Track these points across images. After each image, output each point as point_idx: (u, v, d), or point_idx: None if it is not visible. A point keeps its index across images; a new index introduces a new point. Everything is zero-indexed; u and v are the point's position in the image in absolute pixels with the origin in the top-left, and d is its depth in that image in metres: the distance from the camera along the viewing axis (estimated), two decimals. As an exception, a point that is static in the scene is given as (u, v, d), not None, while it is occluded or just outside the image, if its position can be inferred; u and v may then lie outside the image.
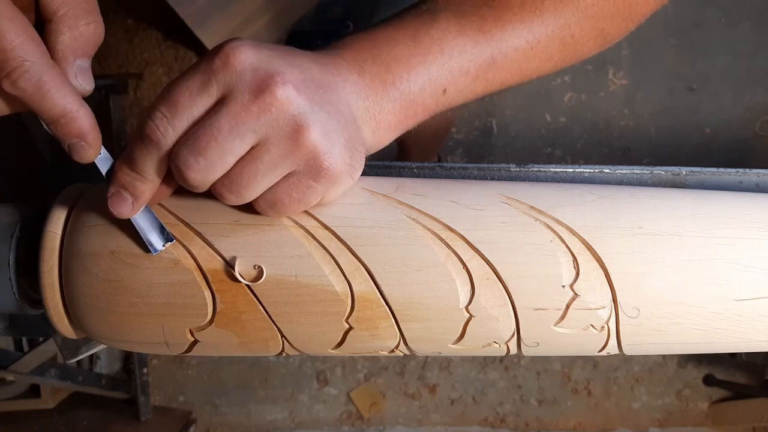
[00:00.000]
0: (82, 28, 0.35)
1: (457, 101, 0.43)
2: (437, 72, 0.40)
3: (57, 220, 0.41)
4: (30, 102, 0.34)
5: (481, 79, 0.42)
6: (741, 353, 1.32)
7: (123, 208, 0.37)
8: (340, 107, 0.37)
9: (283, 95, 0.34)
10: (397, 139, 0.42)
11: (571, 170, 0.47)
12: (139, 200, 0.38)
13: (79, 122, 0.35)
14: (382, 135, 0.41)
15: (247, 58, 0.35)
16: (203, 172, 0.35)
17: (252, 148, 0.35)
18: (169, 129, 0.35)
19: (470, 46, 0.41)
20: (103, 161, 0.38)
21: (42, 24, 0.35)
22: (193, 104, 0.35)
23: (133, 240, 0.39)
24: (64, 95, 0.34)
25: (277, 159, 0.35)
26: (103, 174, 0.38)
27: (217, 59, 0.34)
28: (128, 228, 0.39)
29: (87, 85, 0.36)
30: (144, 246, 0.38)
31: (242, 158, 0.35)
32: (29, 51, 0.33)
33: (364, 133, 0.39)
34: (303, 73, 0.36)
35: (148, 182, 0.37)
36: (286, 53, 0.37)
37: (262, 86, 0.34)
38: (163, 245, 0.38)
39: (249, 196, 0.37)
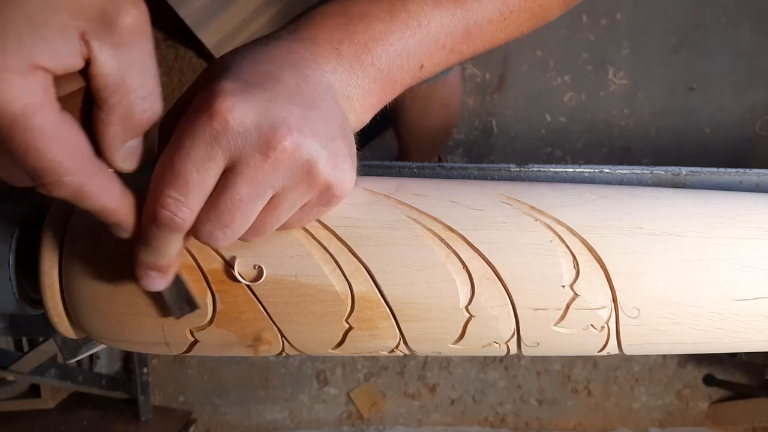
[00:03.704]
0: (137, 117, 0.32)
1: (432, 74, 0.43)
2: (414, 48, 0.40)
3: (57, 220, 0.41)
4: (68, 201, 0.32)
5: (456, 52, 0.42)
6: (741, 353, 1.32)
7: (157, 285, 0.37)
8: (333, 114, 0.36)
9: (291, 145, 0.33)
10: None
11: (571, 170, 0.47)
12: (169, 272, 0.37)
13: (116, 217, 0.34)
14: (364, 117, 0.40)
15: (245, 114, 0.32)
16: (231, 238, 0.35)
17: (270, 198, 0.35)
18: (185, 211, 0.33)
19: (447, 20, 0.41)
20: None
21: (92, 105, 0.32)
22: (203, 179, 0.33)
23: (156, 303, 0.39)
24: (103, 197, 0.33)
25: (294, 201, 0.35)
26: None
27: (215, 122, 0.32)
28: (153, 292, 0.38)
29: (131, 165, 0.34)
30: (166, 311, 0.39)
31: (263, 210, 0.35)
32: (69, 168, 0.30)
33: (351, 123, 0.39)
34: (296, 102, 0.34)
35: (172, 257, 0.36)
36: (271, 82, 0.35)
37: (270, 143, 0.32)
38: (187, 313, 0.39)
39: (268, 234, 0.37)
